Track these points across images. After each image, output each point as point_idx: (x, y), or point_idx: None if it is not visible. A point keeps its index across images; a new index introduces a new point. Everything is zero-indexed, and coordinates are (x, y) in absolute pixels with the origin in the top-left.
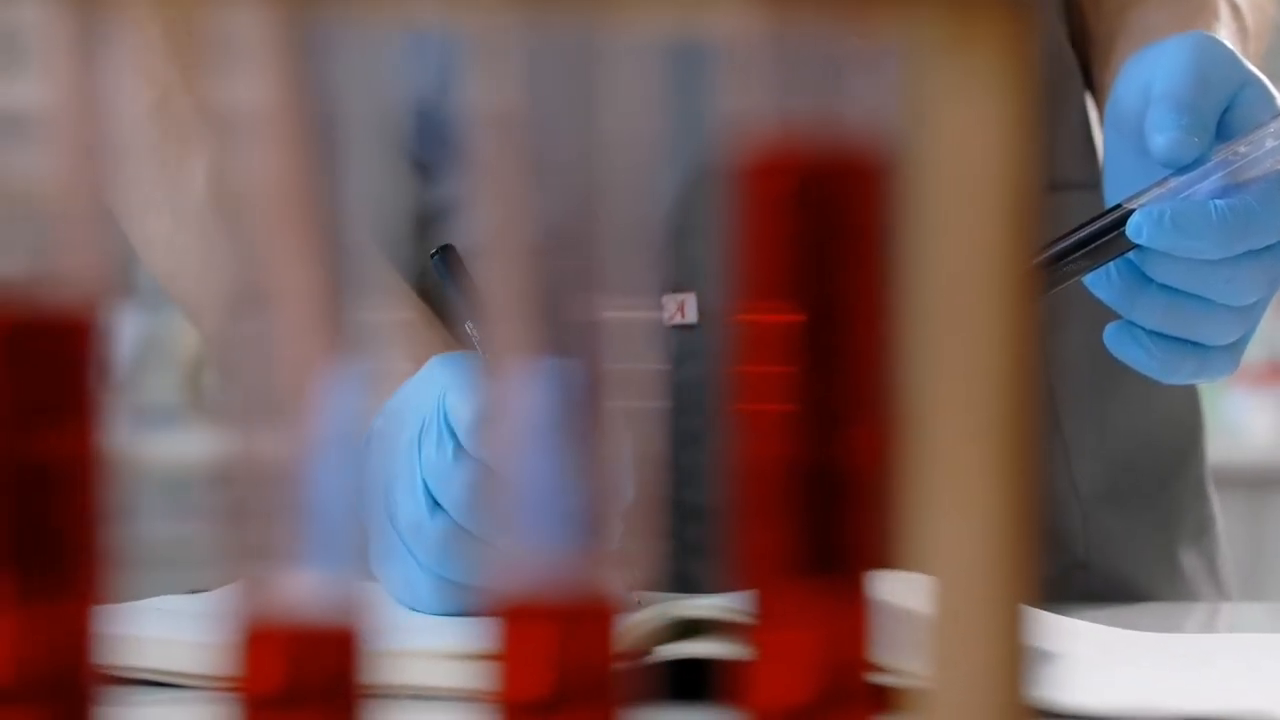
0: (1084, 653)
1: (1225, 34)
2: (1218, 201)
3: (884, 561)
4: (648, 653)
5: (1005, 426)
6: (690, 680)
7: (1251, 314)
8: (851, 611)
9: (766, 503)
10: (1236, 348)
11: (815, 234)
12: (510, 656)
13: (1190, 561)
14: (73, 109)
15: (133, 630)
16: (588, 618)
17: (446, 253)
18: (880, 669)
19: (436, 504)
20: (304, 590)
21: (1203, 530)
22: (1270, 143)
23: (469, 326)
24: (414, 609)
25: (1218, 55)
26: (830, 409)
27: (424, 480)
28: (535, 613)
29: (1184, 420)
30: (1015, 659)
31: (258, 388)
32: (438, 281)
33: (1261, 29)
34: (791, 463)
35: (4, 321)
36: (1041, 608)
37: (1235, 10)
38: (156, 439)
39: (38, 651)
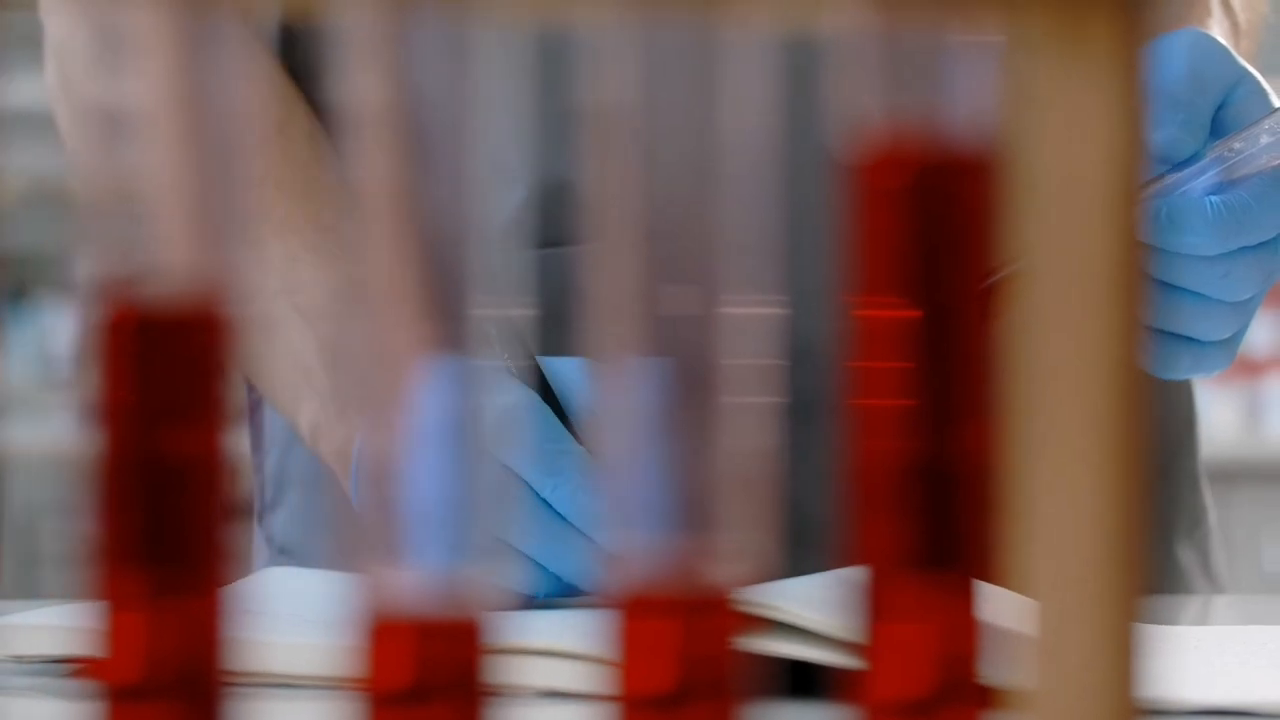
0: None
1: (1217, 31)
2: (1213, 198)
3: (996, 557)
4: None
5: (1113, 423)
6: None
7: (1246, 309)
8: (965, 606)
9: (883, 497)
10: (1232, 343)
11: (930, 230)
12: (631, 651)
13: (1185, 555)
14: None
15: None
16: (708, 611)
17: None
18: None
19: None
20: (425, 585)
21: (1196, 524)
22: (1265, 139)
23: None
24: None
25: (1211, 52)
26: (945, 405)
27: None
28: (656, 606)
29: (1177, 414)
30: (1125, 661)
31: (363, 383)
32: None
33: (1253, 26)
34: (908, 458)
35: (133, 319)
36: None
37: (1227, 7)
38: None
39: (168, 648)
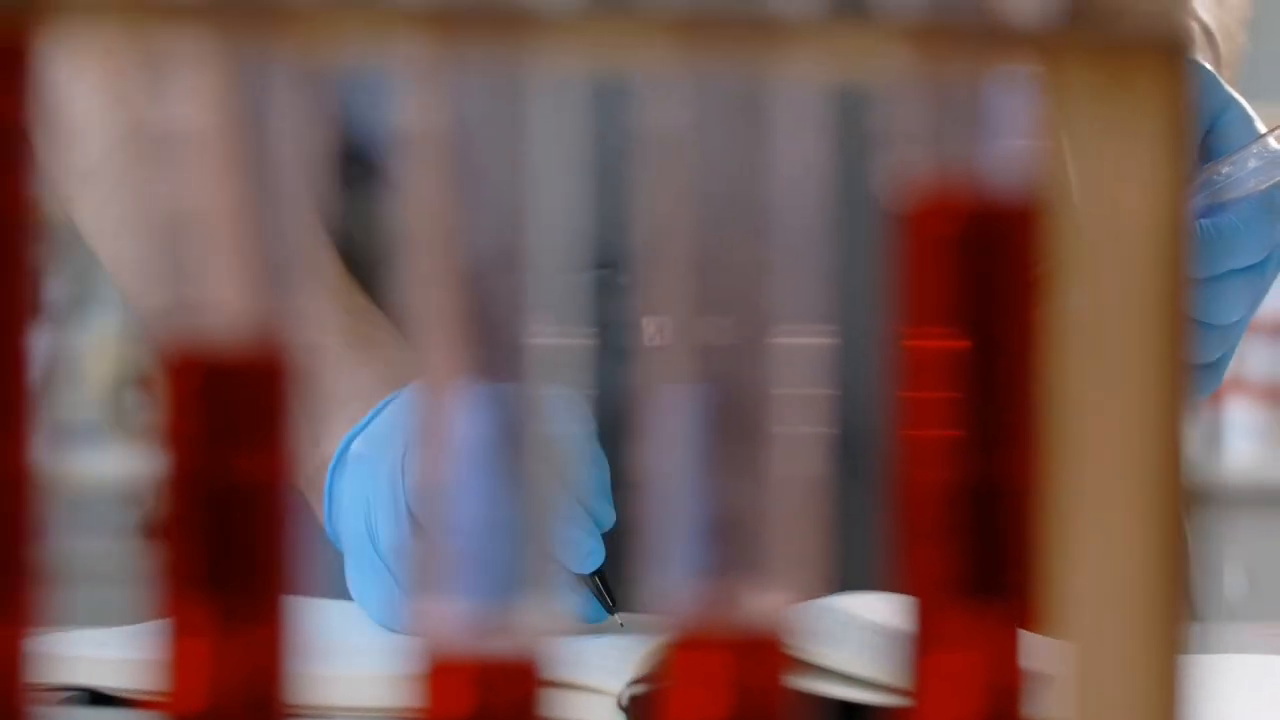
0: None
1: (1201, 60)
2: (1202, 221)
3: (1040, 587)
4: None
5: (1155, 456)
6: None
7: (1233, 332)
8: (1011, 635)
9: (931, 526)
10: (1219, 365)
11: (978, 271)
12: (683, 683)
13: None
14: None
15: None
16: (760, 643)
17: None
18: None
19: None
20: (481, 619)
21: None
22: (1253, 163)
23: None
24: (395, 631)
25: (1199, 79)
26: (992, 434)
27: (407, 505)
28: (708, 639)
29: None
30: (1167, 689)
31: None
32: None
33: (1232, 57)
34: (956, 487)
35: (199, 352)
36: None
37: (1209, 37)
38: (72, 457)
39: (234, 675)
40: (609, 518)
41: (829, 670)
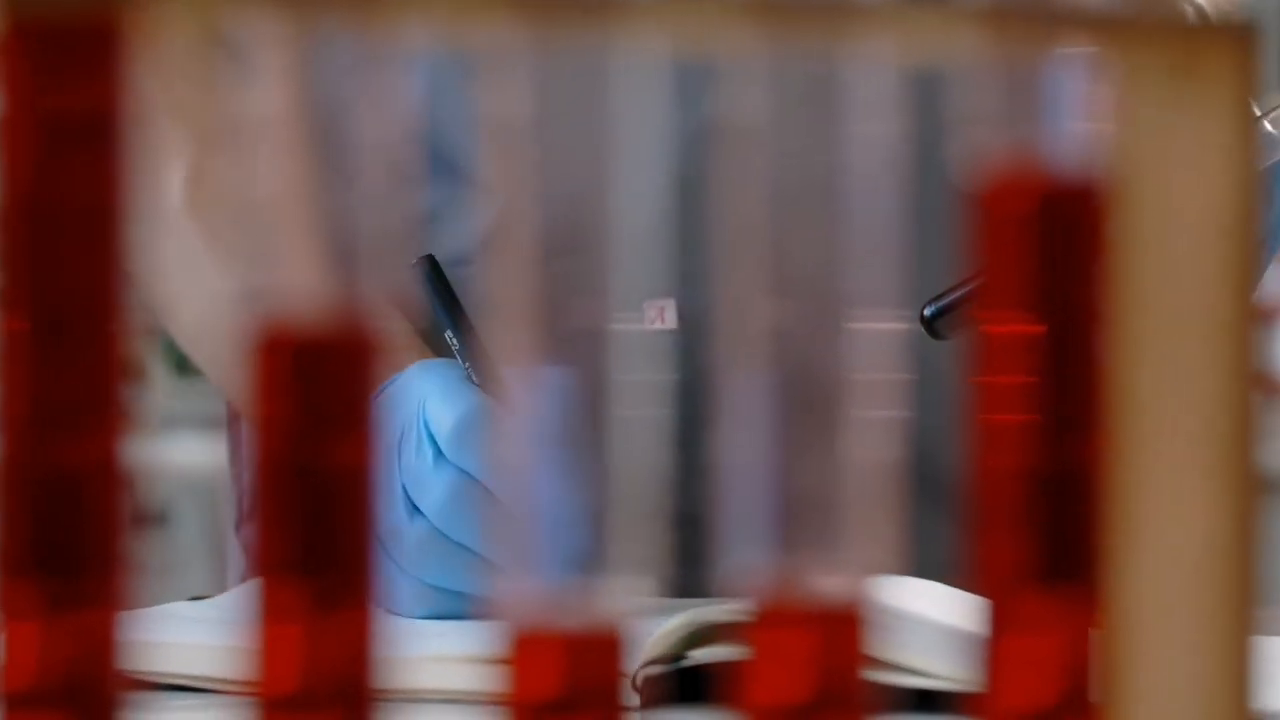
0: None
1: None
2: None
3: (1112, 569)
4: (675, 659)
5: (1225, 439)
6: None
7: None
8: (1086, 619)
9: (1007, 511)
10: None
11: (1052, 251)
12: (765, 661)
13: None
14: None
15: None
16: (841, 622)
17: (426, 262)
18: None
19: (415, 509)
20: (565, 596)
21: None
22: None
23: (448, 335)
24: (392, 612)
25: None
26: (1067, 419)
27: (403, 485)
28: (791, 618)
29: None
30: (1237, 672)
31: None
32: (417, 290)
33: None
34: (1031, 471)
35: (291, 337)
36: None
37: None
38: None
39: (326, 661)
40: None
41: (903, 668)
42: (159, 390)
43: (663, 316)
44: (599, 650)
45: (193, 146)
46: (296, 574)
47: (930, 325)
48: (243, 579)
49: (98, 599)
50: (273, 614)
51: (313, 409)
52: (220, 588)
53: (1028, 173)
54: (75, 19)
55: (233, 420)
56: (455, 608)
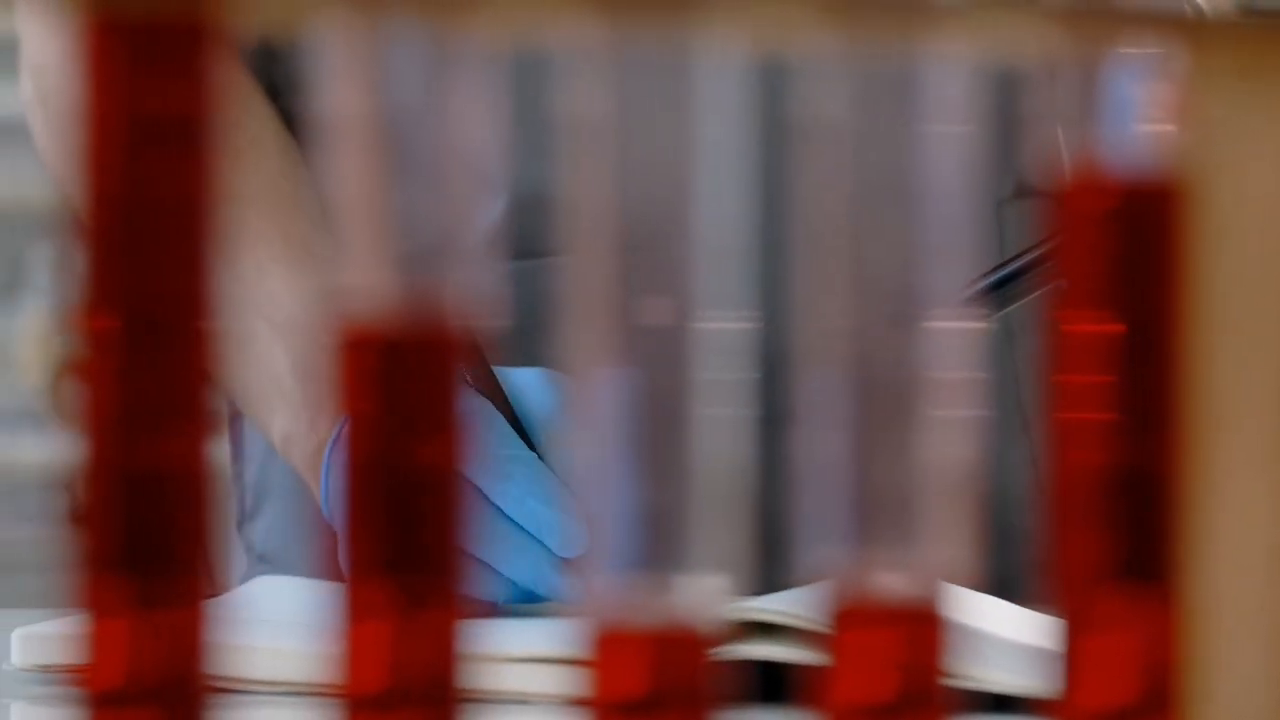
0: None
1: None
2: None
3: (1188, 567)
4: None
5: None
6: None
7: None
8: (1166, 616)
9: (1086, 509)
10: None
11: (1130, 250)
12: (848, 661)
13: None
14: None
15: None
16: (921, 621)
17: None
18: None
19: None
20: (644, 594)
21: None
22: None
23: None
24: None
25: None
26: (1145, 418)
27: None
28: (873, 617)
29: None
30: None
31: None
32: None
33: None
34: (1110, 470)
35: (376, 337)
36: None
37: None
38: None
39: (416, 660)
40: (507, 497)
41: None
42: None
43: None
44: (683, 648)
45: None
46: (385, 573)
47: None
48: (243, 577)
49: (185, 597)
50: (361, 613)
51: (400, 408)
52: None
53: (1105, 172)
54: (162, 16)
55: (233, 419)
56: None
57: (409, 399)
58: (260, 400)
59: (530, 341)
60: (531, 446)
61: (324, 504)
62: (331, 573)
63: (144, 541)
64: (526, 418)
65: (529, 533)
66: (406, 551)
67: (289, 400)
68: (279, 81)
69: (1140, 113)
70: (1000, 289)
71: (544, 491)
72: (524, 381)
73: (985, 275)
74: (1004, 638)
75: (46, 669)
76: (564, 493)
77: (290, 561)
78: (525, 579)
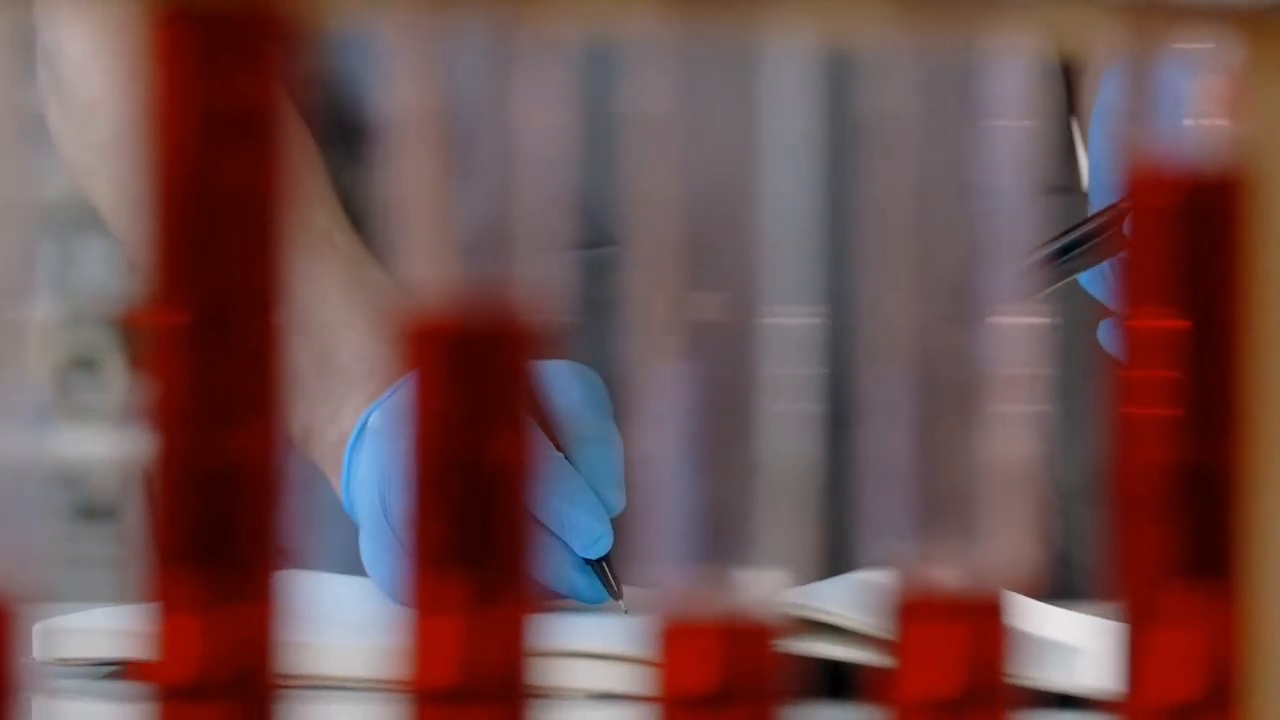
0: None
1: None
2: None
3: (1251, 563)
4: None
5: None
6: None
7: None
8: (1230, 611)
9: (1151, 505)
10: None
11: (1195, 245)
12: (915, 655)
13: None
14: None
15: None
16: (987, 617)
17: None
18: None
19: None
20: (709, 587)
21: None
22: None
23: None
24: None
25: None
26: (1210, 413)
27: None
28: (940, 612)
29: None
30: None
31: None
32: None
33: None
34: (1174, 465)
35: (449, 330)
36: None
37: None
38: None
39: (485, 654)
40: (619, 503)
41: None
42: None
43: None
44: (750, 642)
45: None
46: (455, 568)
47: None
48: None
49: (256, 592)
50: (432, 608)
51: (470, 402)
52: None
53: (1169, 167)
54: (231, 8)
55: None
56: None
57: (479, 393)
58: None
59: (589, 335)
60: (556, 443)
61: (345, 498)
62: (353, 566)
63: (215, 536)
64: (554, 413)
65: (551, 532)
66: (477, 546)
67: (308, 393)
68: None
69: (1198, 107)
70: (1063, 257)
71: (567, 491)
72: (552, 375)
73: (1048, 243)
74: (1063, 639)
75: (65, 663)
76: (587, 492)
77: (306, 556)
78: (547, 579)
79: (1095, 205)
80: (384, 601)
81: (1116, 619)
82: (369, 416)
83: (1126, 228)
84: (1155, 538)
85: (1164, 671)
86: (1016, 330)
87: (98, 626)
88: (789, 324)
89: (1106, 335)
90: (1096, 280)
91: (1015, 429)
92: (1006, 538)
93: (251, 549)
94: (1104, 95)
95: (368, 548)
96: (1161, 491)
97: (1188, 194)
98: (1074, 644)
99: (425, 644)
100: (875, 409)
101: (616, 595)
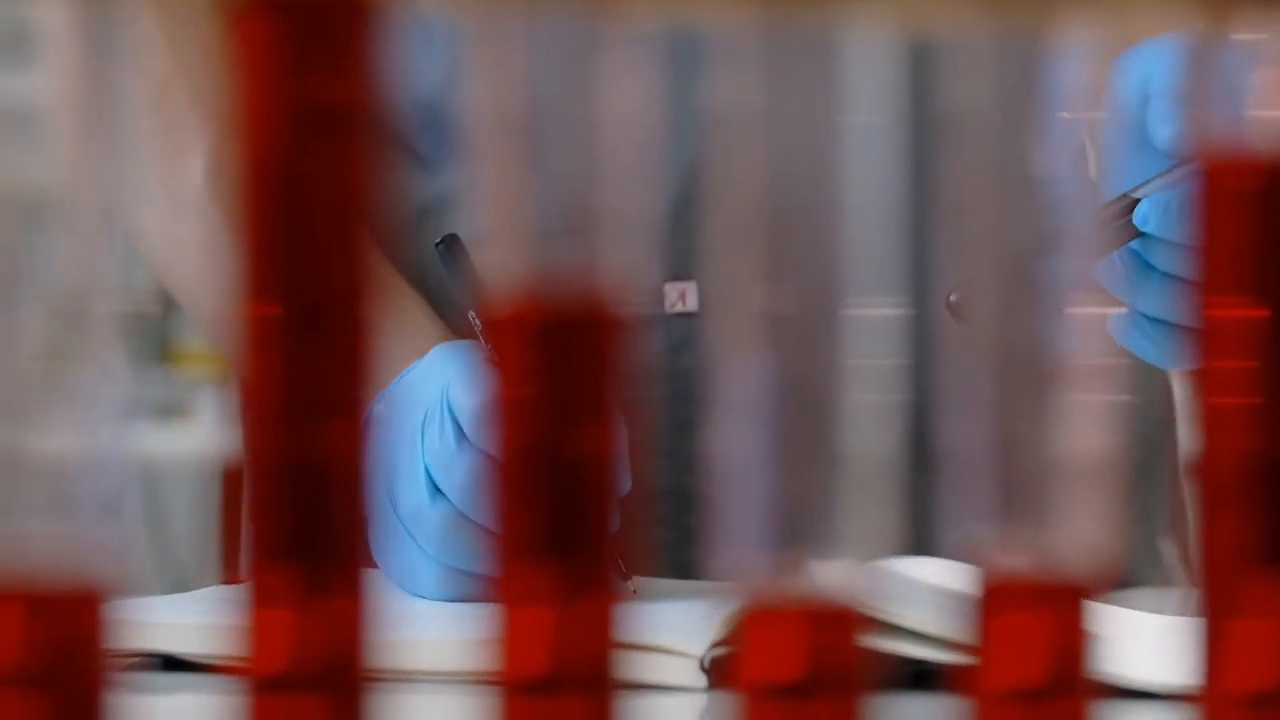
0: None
1: None
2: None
3: None
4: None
5: None
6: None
7: None
8: None
9: (1231, 495)
10: None
11: (1273, 233)
12: (995, 647)
13: (1168, 550)
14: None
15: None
16: (1068, 603)
17: (450, 242)
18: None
19: (438, 491)
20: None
21: (1177, 518)
22: None
23: (471, 315)
24: (416, 595)
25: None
26: None
27: (426, 467)
28: (1023, 598)
29: (1159, 411)
30: None
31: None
32: (440, 271)
33: None
34: (1255, 455)
35: (536, 319)
36: None
37: None
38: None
39: (574, 646)
40: (624, 485)
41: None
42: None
43: (684, 299)
44: (836, 631)
45: (215, 131)
46: (544, 558)
47: (955, 310)
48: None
49: (348, 585)
50: (520, 599)
51: (558, 391)
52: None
53: (1247, 153)
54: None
55: None
56: (478, 590)
57: (566, 382)
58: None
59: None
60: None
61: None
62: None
63: (308, 529)
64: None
65: None
66: (565, 536)
67: None
68: None
69: (1266, 96)
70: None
71: None
72: None
73: (1120, 198)
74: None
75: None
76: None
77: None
78: None
79: (1106, 195)
80: (396, 593)
81: (1182, 610)
82: (374, 406)
83: (1201, 216)
84: (1236, 527)
85: (1244, 661)
86: (1093, 320)
87: (186, 621)
88: (871, 315)
89: (1117, 327)
90: (1105, 272)
91: (1093, 418)
92: (1086, 527)
93: (343, 542)
94: (1113, 87)
95: (376, 538)
96: (1242, 481)
97: (1265, 180)
98: (1140, 637)
99: (514, 635)
100: (957, 398)
101: (625, 577)
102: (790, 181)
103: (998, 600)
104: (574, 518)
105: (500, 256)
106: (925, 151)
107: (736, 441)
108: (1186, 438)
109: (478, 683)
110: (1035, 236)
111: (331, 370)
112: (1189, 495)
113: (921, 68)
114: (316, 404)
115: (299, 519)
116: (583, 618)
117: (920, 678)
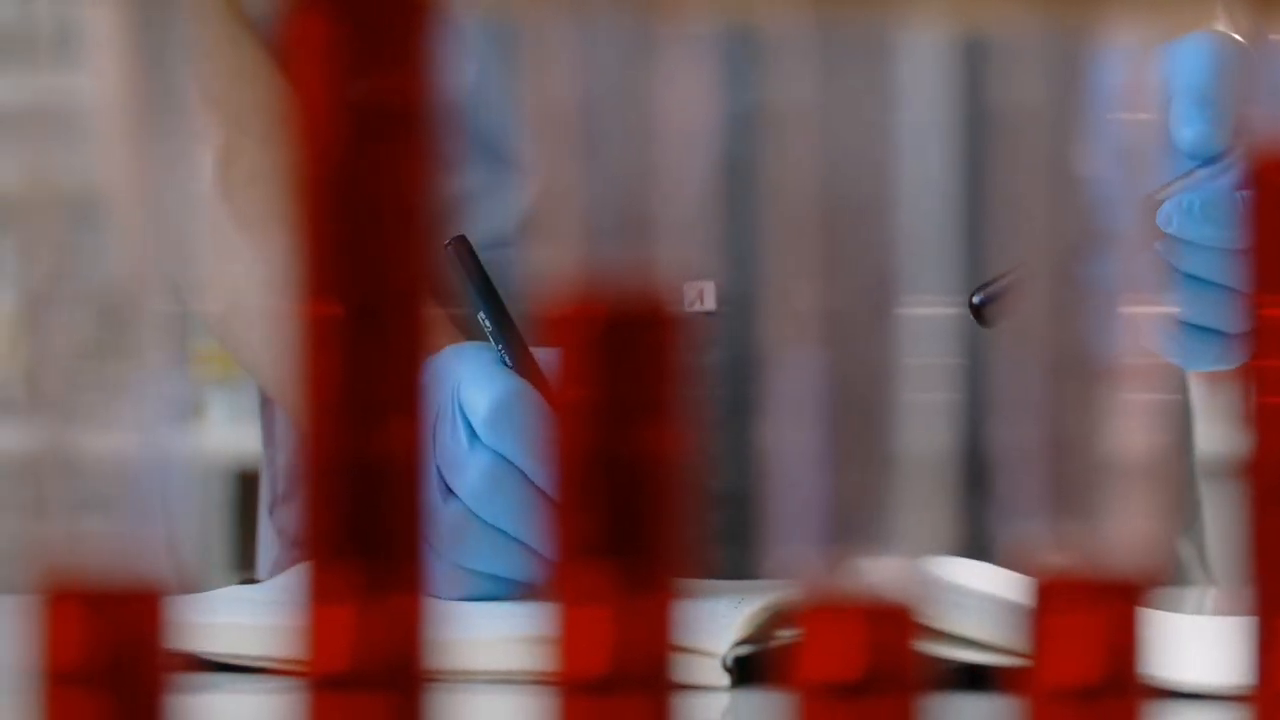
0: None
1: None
2: (1241, 191)
3: None
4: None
5: None
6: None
7: None
8: None
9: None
10: None
11: None
12: (1049, 645)
13: (1183, 549)
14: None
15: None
16: (1123, 600)
17: (458, 244)
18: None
19: (450, 491)
20: (855, 576)
21: (1193, 518)
22: None
23: (481, 318)
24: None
25: (1234, 50)
26: None
27: (437, 468)
28: (1078, 597)
29: (1174, 410)
30: None
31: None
32: (450, 272)
33: None
34: None
35: (597, 318)
36: None
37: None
38: None
39: (634, 644)
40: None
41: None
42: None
43: (702, 298)
44: (892, 629)
45: (224, 129)
46: (604, 557)
47: (979, 312)
48: (280, 562)
49: (408, 584)
50: (580, 598)
51: (618, 390)
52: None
53: None
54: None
55: (265, 404)
56: (488, 590)
57: (628, 381)
58: (288, 389)
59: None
60: None
61: None
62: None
63: (367, 528)
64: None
65: None
66: (626, 535)
67: None
68: None
69: None
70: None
71: None
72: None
73: (1170, 183)
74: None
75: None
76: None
77: None
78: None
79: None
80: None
81: (1199, 610)
82: None
83: (1250, 215)
84: None
85: None
86: (1144, 319)
87: (244, 621)
88: (924, 314)
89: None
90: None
91: (1145, 416)
92: (1139, 526)
93: (403, 539)
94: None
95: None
96: None
97: None
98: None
99: (574, 635)
100: (1007, 396)
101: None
102: (844, 180)
103: (1051, 598)
104: (634, 517)
105: (557, 256)
106: (979, 150)
107: (790, 439)
108: (1204, 438)
109: (536, 682)
110: (1082, 235)
111: (391, 368)
112: (1206, 495)
113: (975, 65)
114: (376, 402)
115: (359, 517)
116: (643, 616)
117: (974, 678)
